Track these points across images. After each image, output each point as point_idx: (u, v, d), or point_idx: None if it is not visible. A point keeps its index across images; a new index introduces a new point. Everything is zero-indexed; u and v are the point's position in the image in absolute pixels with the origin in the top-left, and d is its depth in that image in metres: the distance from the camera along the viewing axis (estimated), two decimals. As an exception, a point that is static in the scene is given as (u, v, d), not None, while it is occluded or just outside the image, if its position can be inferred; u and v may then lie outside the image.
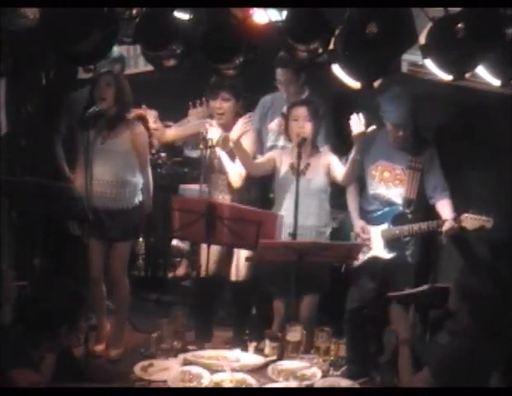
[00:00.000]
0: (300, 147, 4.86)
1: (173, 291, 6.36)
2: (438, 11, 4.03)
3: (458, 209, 4.81)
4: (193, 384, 3.87)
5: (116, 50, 5.52)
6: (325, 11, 4.10)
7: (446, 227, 4.79)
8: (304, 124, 4.97)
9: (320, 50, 4.22)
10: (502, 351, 3.33)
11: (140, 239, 6.63)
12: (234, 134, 4.95)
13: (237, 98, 5.20)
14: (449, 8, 3.99)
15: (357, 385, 4.07)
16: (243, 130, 4.93)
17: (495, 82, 4.37)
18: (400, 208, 5.00)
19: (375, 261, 5.03)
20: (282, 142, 5.42)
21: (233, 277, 5.27)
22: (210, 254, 4.88)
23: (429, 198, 5.00)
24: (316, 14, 4.11)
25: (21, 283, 4.26)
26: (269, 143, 5.52)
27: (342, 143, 5.29)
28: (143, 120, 5.31)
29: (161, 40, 4.45)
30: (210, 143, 5.06)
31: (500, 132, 5.09)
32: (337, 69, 4.23)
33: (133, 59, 6.56)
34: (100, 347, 5.37)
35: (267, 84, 5.55)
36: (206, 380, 3.89)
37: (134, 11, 4.42)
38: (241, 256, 5.21)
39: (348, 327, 5.20)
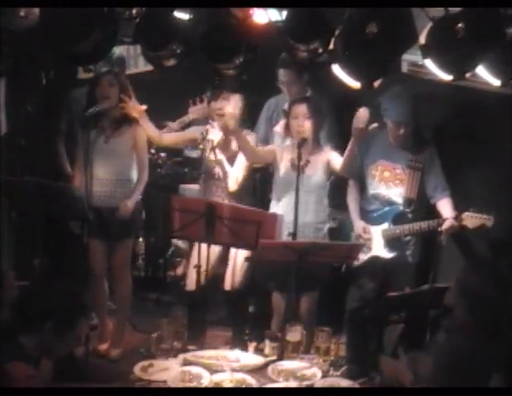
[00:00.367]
0: (300, 147, 4.86)
1: (173, 291, 6.36)
2: (438, 11, 4.03)
3: (459, 209, 4.81)
4: (193, 384, 3.86)
5: (117, 51, 5.52)
6: (325, 11, 4.10)
7: (446, 225, 4.79)
8: (303, 122, 4.97)
9: (320, 50, 4.22)
10: (502, 350, 3.32)
11: (140, 239, 6.63)
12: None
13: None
14: (449, 8, 3.99)
15: (357, 385, 4.07)
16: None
17: (495, 82, 4.37)
18: (401, 207, 5.00)
19: (375, 260, 5.03)
20: (288, 144, 5.41)
21: (227, 286, 5.31)
22: (207, 255, 4.89)
23: (430, 197, 5.00)
24: (316, 14, 4.11)
25: (21, 283, 4.26)
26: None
27: (345, 142, 5.28)
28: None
29: (161, 40, 4.46)
30: (210, 145, 5.06)
31: (500, 132, 5.09)
32: (337, 69, 4.23)
33: (133, 59, 6.56)
34: (103, 346, 5.38)
35: (266, 85, 5.55)
36: (206, 380, 3.88)
37: (134, 11, 4.42)
38: (237, 261, 5.22)
39: (348, 327, 5.20)
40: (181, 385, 3.85)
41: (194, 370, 3.97)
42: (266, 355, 4.31)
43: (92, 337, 5.15)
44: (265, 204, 5.34)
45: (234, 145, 5.23)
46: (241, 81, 5.05)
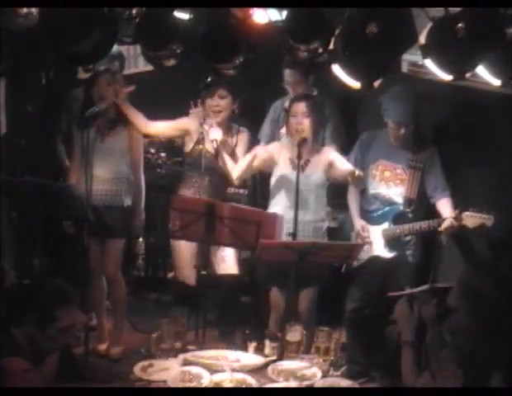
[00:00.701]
0: (300, 147, 4.83)
1: (174, 291, 6.35)
2: (438, 11, 4.03)
3: (459, 208, 4.81)
4: (193, 384, 3.85)
5: (115, 47, 5.51)
6: (325, 11, 4.10)
7: (446, 225, 4.79)
8: (302, 120, 4.91)
9: (320, 50, 4.22)
10: (503, 350, 3.32)
11: (140, 239, 6.63)
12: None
13: (233, 96, 5.19)
14: (449, 8, 3.99)
15: (357, 385, 4.06)
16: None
17: (495, 82, 4.37)
18: (401, 207, 5.00)
19: (375, 260, 5.03)
20: (286, 142, 5.40)
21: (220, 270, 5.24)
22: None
23: (430, 197, 5.00)
24: (316, 14, 4.11)
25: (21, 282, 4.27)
26: None
27: (350, 143, 5.29)
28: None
29: (161, 40, 4.46)
30: (215, 145, 5.04)
31: (500, 132, 5.10)
32: (337, 69, 4.23)
33: (133, 59, 6.56)
34: (103, 346, 5.39)
35: (269, 85, 5.56)
36: (206, 380, 3.88)
37: (134, 11, 4.43)
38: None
39: (348, 327, 5.20)
40: (181, 385, 3.84)
41: (194, 370, 3.96)
42: (266, 355, 4.30)
43: (92, 337, 5.16)
44: (265, 203, 5.34)
45: (232, 141, 5.23)
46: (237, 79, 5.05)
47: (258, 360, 4.20)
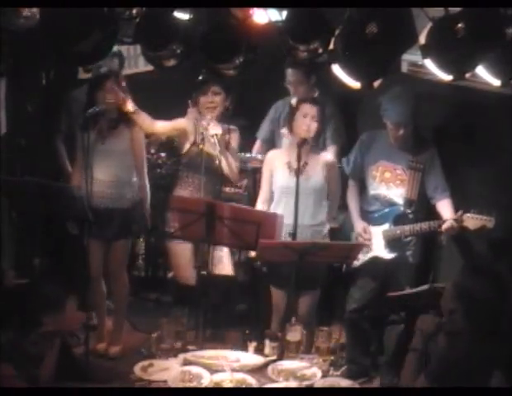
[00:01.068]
0: (300, 147, 4.83)
1: (173, 291, 6.35)
2: (438, 11, 4.03)
3: (459, 209, 4.81)
4: (193, 384, 3.86)
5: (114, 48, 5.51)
6: (325, 11, 4.10)
7: (446, 226, 4.79)
8: (311, 123, 4.90)
9: (320, 50, 4.22)
10: (501, 350, 3.32)
11: (140, 239, 6.63)
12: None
13: (227, 92, 5.20)
14: (449, 8, 3.99)
15: (357, 385, 4.06)
16: None
17: (495, 82, 4.37)
18: (401, 208, 5.00)
19: (376, 261, 5.03)
20: (282, 148, 5.40)
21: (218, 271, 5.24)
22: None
23: (430, 198, 5.00)
24: (316, 14, 4.11)
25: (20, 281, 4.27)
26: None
27: (350, 144, 5.29)
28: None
29: (161, 40, 4.46)
30: (216, 139, 5.04)
31: (500, 132, 5.10)
32: (337, 69, 4.23)
33: (133, 59, 6.56)
34: (102, 346, 5.40)
35: (269, 85, 5.56)
36: (206, 380, 3.88)
37: (134, 11, 4.43)
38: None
39: (349, 327, 5.20)
40: (181, 385, 3.84)
41: (194, 369, 3.96)
42: (266, 355, 4.30)
43: (91, 337, 5.16)
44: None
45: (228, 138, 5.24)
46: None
47: (258, 360, 4.20)
